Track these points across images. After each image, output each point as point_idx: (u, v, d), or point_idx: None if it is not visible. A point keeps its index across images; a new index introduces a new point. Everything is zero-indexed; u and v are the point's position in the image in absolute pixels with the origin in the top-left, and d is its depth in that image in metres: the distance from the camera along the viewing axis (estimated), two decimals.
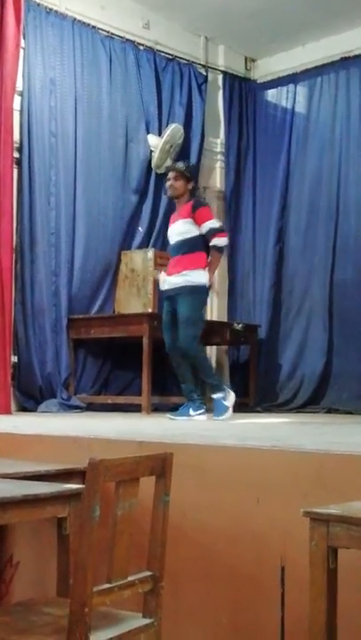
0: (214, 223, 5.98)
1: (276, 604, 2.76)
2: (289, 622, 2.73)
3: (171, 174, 6.08)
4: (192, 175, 6.15)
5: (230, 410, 5.83)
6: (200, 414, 5.85)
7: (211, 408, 5.98)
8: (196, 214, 5.90)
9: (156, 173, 7.75)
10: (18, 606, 2.55)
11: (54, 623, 2.26)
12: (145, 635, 2.36)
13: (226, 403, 5.82)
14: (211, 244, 5.91)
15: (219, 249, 5.98)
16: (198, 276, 5.86)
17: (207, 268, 5.92)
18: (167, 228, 6.30)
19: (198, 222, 5.90)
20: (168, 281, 5.95)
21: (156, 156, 7.66)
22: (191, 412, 5.86)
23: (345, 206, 7.84)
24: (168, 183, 6.11)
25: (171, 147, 7.70)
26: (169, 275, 5.97)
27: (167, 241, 6.36)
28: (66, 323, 6.98)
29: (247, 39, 8.49)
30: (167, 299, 6.02)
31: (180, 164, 6.26)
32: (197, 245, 5.92)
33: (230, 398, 5.86)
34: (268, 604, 2.79)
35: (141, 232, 7.67)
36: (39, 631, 2.21)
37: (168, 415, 5.94)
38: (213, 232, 5.91)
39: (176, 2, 7.76)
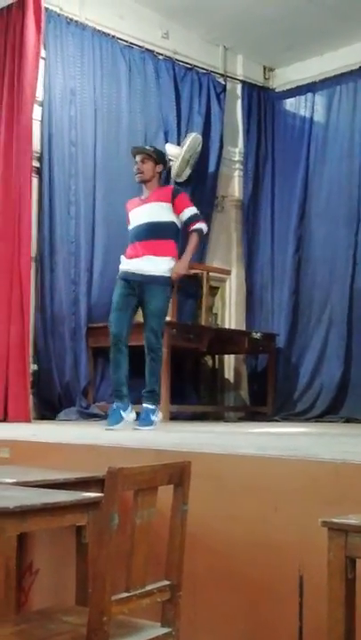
0: (195, 209, 5.72)
1: (294, 614, 2.75)
2: (307, 632, 2.72)
3: (138, 157, 5.78)
4: (160, 158, 5.85)
5: (154, 426, 5.48)
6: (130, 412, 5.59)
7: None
8: (176, 200, 5.62)
9: (175, 182, 7.76)
10: (37, 614, 2.56)
11: (73, 631, 2.27)
12: None
13: (153, 417, 5.50)
14: (194, 227, 5.62)
15: (200, 233, 5.68)
16: (168, 265, 5.54)
17: (174, 258, 5.59)
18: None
19: (178, 209, 5.62)
20: (133, 263, 5.57)
21: (176, 165, 7.68)
22: (123, 413, 5.57)
23: None
24: (135, 167, 5.80)
25: (190, 156, 7.72)
26: (130, 257, 5.60)
27: None
28: (85, 331, 7.01)
29: (265, 48, 8.51)
30: (128, 281, 5.59)
31: (148, 147, 5.97)
32: (170, 232, 5.63)
33: (159, 417, 5.58)
34: (286, 614, 2.78)
35: None
36: (58, 639, 2.22)
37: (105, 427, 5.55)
38: (196, 218, 5.67)
39: (195, 11, 7.79)
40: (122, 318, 5.63)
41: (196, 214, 5.68)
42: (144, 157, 5.75)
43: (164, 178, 6.01)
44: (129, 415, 5.55)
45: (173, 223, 5.64)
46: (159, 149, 6.16)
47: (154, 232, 5.59)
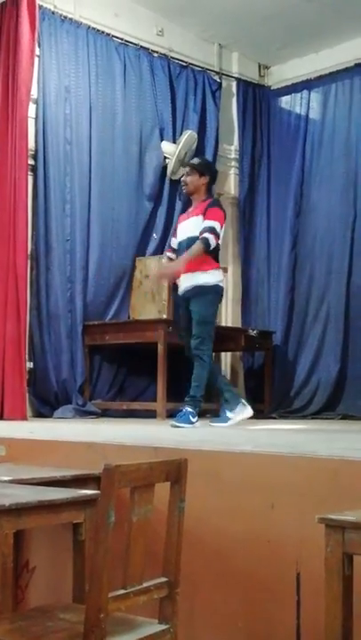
0: (214, 224, 5.64)
1: (291, 610, 2.75)
2: (305, 628, 2.72)
3: (184, 170, 5.96)
4: (205, 169, 5.89)
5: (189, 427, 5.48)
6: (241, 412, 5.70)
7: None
8: (207, 212, 5.66)
9: (171, 180, 7.76)
10: (34, 611, 2.56)
11: (70, 629, 2.27)
12: None
13: (193, 420, 5.51)
14: (202, 235, 5.57)
15: (206, 244, 5.58)
16: (208, 276, 5.67)
17: (215, 269, 5.71)
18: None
19: (204, 218, 5.66)
20: (181, 280, 5.74)
21: (172, 163, 7.67)
22: (229, 413, 5.67)
23: None
24: (182, 179, 5.98)
25: (185, 153, 7.72)
26: (182, 273, 5.72)
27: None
28: (81, 329, 7.00)
29: (261, 46, 8.50)
30: (181, 299, 5.83)
31: (195, 159, 6.13)
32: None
33: (198, 423, 5.58)
34: (283, 610, 2.78)
35: (156, 238, 7.68)
36: (55, 637, 2.22)
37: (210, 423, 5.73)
38: (209, 230, 5.60)
39: (190, 9, 7.78)
40: (187, 339, 5.75)
41: (211, 227, 5.62)
42: (190, 170, 5.86)
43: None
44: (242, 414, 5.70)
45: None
46: (205, 161, 6.24)
47: (189, 246, 5.67)
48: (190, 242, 5.68)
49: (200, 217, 5.69)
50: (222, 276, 5.88)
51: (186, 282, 5.71)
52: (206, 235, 5.58)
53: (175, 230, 6.11)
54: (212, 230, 5.61)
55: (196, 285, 5.65)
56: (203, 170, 5.85)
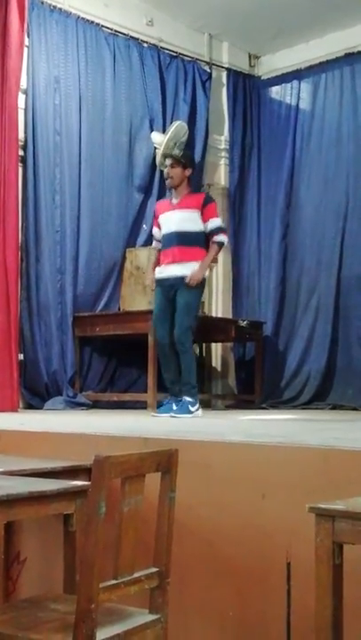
0: (220, 222, 5.97)
1: (282, 600, 2.76)
2: (295, 617, 2.73)
3: (167, 161, 5.98)
4: (188, 162, 5.99)
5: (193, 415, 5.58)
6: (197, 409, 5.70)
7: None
8: (205, 209, 5.84)
9: (161, 171, 7.74)
10: (25, 602, 2.56)
11: (61, 619, 2.27)
12: (151, 630, 2.36)
13: (192, 409, 5.60)
14: (216, 239, 5.83)
15: (221, 245, 5.92)
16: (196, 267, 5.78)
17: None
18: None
19: (205, 217, 5.83)
20: (167, 270, 5.82)
21: (159, 153, 7.65)
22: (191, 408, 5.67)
23: (353, 202, 7.81)
24: (165, 171, 6.01)
25: (175, 144, 7.68)
26: (164, 264, 5.84)
27: None
28: (71, 320, 7.00)
29: (251, 36, 8.48)
30: (163, 287, 5.85)
31: (176, 151, 6.16)
32: (200, 240, 5.84)
33: (198, 412, 5.65)
34: (274, 600, 2.79)
35: (146, 229, 7.66)
36: (46, 627, 2.22)
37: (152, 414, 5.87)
38: (220, 230, 5.89)
39: None
40: (165, 326, 5.83)
41: (220, 227, 5.91)
42: (172, 163, 5.90)
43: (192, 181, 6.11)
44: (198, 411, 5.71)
45: (202, 232, 5.84)
46: (187, 153, 6.28)
47: (184, 240, 5.80)
48: (182, 236, 5.77)
49: (194, 212, 5.81)
50: None
51: (176, 270, 5.73)
52: (220, 238, 5.85)
53: (156, 220, 6.13)
54: (222, 230, 5.92)
55: (187, 275, 5.68)
56: (186, 162, 5.93)
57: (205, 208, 5.83)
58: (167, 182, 6.02)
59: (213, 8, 7.92)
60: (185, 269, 5.73)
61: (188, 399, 5.58)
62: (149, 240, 7.61)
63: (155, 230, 6.19)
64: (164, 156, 6.10)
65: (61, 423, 4.79)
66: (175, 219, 5.86)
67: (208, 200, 5.95)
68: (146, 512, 2.32)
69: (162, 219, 6.00)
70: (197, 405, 5.65)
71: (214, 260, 6.14)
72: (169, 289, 5.81)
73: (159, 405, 6.06)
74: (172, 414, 5.52)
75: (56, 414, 6.11)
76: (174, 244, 5.83)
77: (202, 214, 5.82)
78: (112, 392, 7.35)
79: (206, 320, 7.70)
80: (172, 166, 5.89)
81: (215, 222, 5.86)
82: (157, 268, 5.93)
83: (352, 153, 7.86)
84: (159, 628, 2.39)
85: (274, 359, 8.11)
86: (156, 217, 6.15)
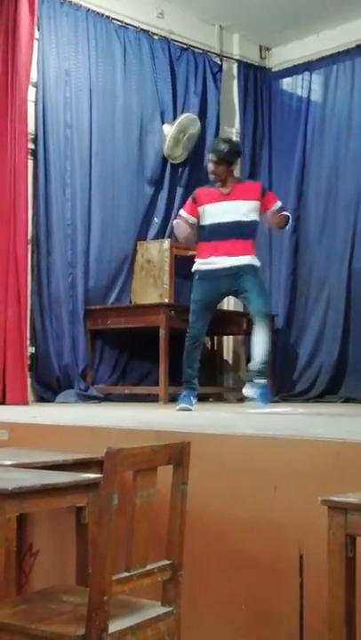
0: (280, 204, 5.81)
1: (294, 592, 2.76)
2: (308, 610, 2.73)
3: (211, 156, 5.66)
4: (233, 157, 5.72)
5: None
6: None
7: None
8: (264, 199, 5.65)
9: (172, 164, 7.73)
10: (37, 595, 2.57)
11: (74, 611, 2.28)
12: (164, 623, 2.36)
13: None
14: (285, 213, 5.74)
15: (287, 221, 5.78)
16: (251, 259, 5.68)
17: (255, 256, 5.75)
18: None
19: (266, 206, 5.64)
20: (218, 261, 5.61)
21: (165, 145, 7.62)
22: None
23: None
24: (209, 168, 5.72)
25: (184, 135, 7.67)
26: (218, 256, 5.61)
27: None
28: (83, 313, 6.99)
29: (262, 28, 8.44)
30: (215, 278, 5.62)
31: (221, 145, 5.74)
32: (254, 231, 5.76)
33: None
34: (286, 592, 2.79)
35: (157, 222, 7.65)
36: (58, 619, 2.23)
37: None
38: (283, 208, 5.80)
39: None
40: (206, 318, 5.70)
41: (282, 207, 5.78)
42: (218, 160, 5.62)
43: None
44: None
45: (257, 222, 5.73)
46: (233, 148, 5.80)
47: (240, 231, 5.60)
48: (239, 226, 5.59)
49: (250, 202, 5.60)
50: None
51: (234, 261, 5.62)
52: (288, 212, 5.79)
53: (196, 207, 5.72)
54: (283, 209, 5.79)
55: (249, 264, 5.66)
56: (230, 158, 5.67)
57: (265, 197, 5.68)
58: (211, 177, 5.73)
59: (224, 0, 7.88)
60: (241, 261, 5.61)
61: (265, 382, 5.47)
62: (160, 233, 7.61)
63: (189, 217, 5.74)
64: (209, 151, 5.78)
65: (73, 416, 4.80)
66: (230, 209, 5.61)
67: (266, 188, 5.87)
68: (158, 505, 2.32)
69: (210, 208, 5.67)
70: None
71: (280, 225, 5.83)
72: (226, 279, 5.61)
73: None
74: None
75: (68, 407, 6.12)
76: (228, 237, 5.61)
77: (262, 204, 5.64)
78: (124, 385, 7.35)
79: (218, 313, 7.69)
80: (217, 163, 5.61)
81: (279, 203, 5.74)
82: (203, 260, 5.68)
83: None
84: (172, 620, 2.39)
85: (285, 352, 8.09)
86: (196, 203, 5.73)
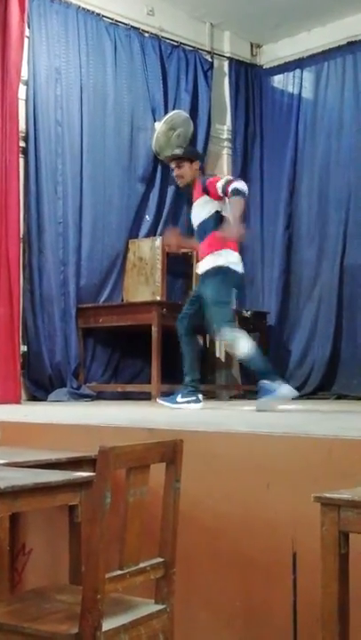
0: (225, 177, 5.55)
1: (288, 589, 2.76)
2: (301, 607, 2.73)
3: (172, 164, 5.64)
4: (193, 154, 5.73)
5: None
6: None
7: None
8: (207, 188, 5.39)
9: (163, 163, 7.72)
10: (30, 594, 2.56)
11: (67, 610, 2.27)
12: (157, 621, 2.36)
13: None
14: (230, 188, 5.25)
15: (236, 192, 5.26)
16: (215, 260, 5.42)
17: (213, 252, 5.43)
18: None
19: (213, 193, 5.37)
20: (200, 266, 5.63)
21: (153, 142, 7.61)
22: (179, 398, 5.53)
23: (356, 191, 7.78)
24: (173, 174, 5.69)
25: (174, 132, 7.66)
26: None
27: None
28: (75, 312, 6.99)
29: (253, 25, 8.43)
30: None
31: (177, 150, 5.89)
32: (208, 227, 5.46)
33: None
34: (280, 589, 2.79)
35: (148, 220, 7.65)
36: (52, 618, 2.22)
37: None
38: (229, 181, 5.37)
39: None
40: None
41: (227, 180, 5.41)
42: (178, 162, 5.58)
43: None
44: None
45: (215, 213, 5.43)
46: (187, 147, 5.90)
47: (200, 234, 5.55)
48: (197, 229, 5.55)
49: (199, 200, 5.50)
50: None
51: (200, 266, 5.62)
52: (233, 185, 5.27)
53: None
54: (230, 180, 5.40)
55: (209, 269, 5.51)
56: (191, 156, 5.67)
57: (207, 187, 5.40)
58: (179, 183, 5.69)
59: None
60: (204, 264, 5.50)
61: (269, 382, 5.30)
62: (152, 231, 7.60)
63: None
64: (168, 160, 5.76)
65: (65, 414, 4.79)
66: (193, 214, 5.62)
67: (205, 179, 5.54)
68: (151, 502, 2.32)
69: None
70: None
71: (241, 212, 5.49)
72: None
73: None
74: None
75: (60, 406, 6.11)
76: (197, 240, 5.63)
77: (210, 194, 5.40)
78: (116, 383, 7.35)
79: None
80: (177, 166, 5.58)
81: (221, 181, 5.36)
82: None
83: (355, 141, 7.83)
84: (165, 618, 2.39)
85: (278, 349, 8.10)
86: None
